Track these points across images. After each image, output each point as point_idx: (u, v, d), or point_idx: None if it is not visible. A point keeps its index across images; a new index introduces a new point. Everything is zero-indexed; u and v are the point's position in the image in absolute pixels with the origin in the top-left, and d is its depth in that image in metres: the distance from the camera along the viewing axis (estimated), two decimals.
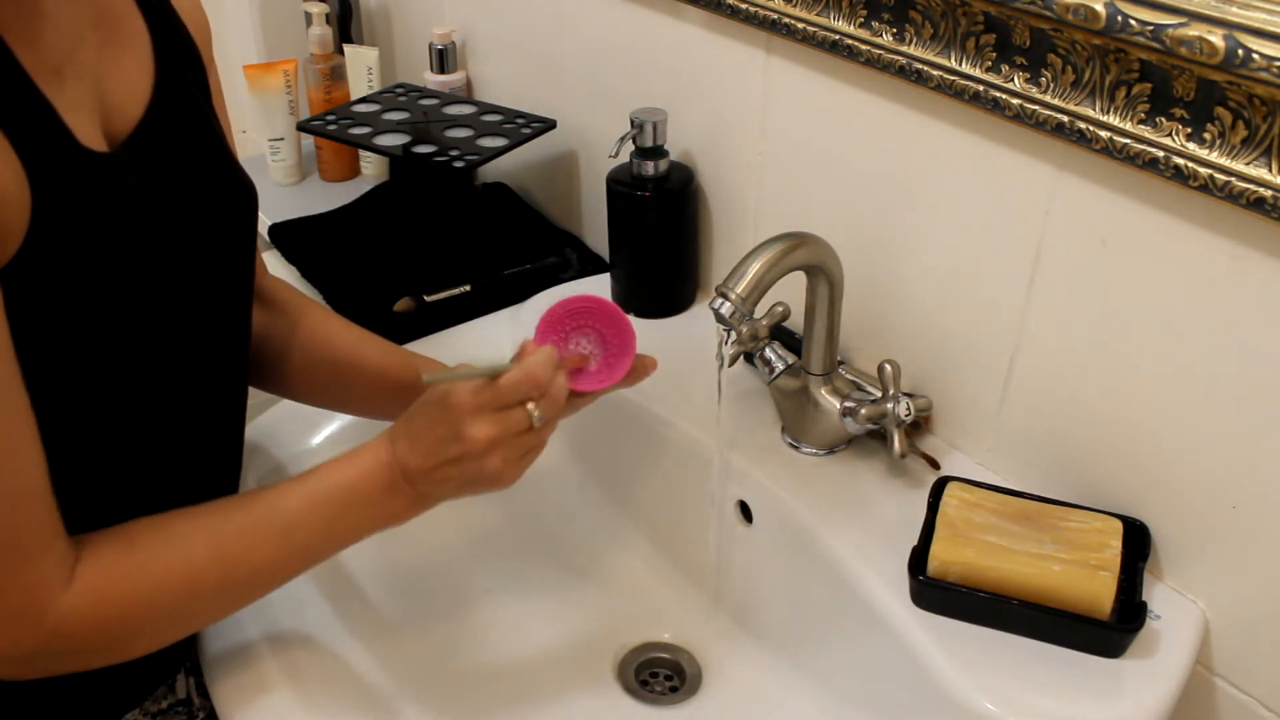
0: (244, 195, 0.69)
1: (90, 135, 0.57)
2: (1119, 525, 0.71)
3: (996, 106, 0.69)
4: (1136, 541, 0.71)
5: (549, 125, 1.13)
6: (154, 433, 0.64)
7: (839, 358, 0.83)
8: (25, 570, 0.55)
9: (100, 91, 0.59)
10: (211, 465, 0.71)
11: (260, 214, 1.25)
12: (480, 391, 0.64)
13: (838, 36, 0.77)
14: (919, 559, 0.71)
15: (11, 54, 0.51)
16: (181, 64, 0.65)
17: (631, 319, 1.01)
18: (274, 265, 1.18)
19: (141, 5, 0.63)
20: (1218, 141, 0.59)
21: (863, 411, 0.79)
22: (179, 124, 0.64)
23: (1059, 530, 0.71)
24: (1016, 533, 0.71)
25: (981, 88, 0.69)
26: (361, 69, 1.32)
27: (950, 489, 0.75)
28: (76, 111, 0.56)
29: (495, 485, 0.66)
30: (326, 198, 1.30)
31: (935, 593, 0.70)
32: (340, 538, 0.65)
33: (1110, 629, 0.67)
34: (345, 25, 1.39)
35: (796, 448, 0.85)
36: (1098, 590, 0.66)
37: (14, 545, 0.54)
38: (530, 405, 0.65)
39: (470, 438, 0.63)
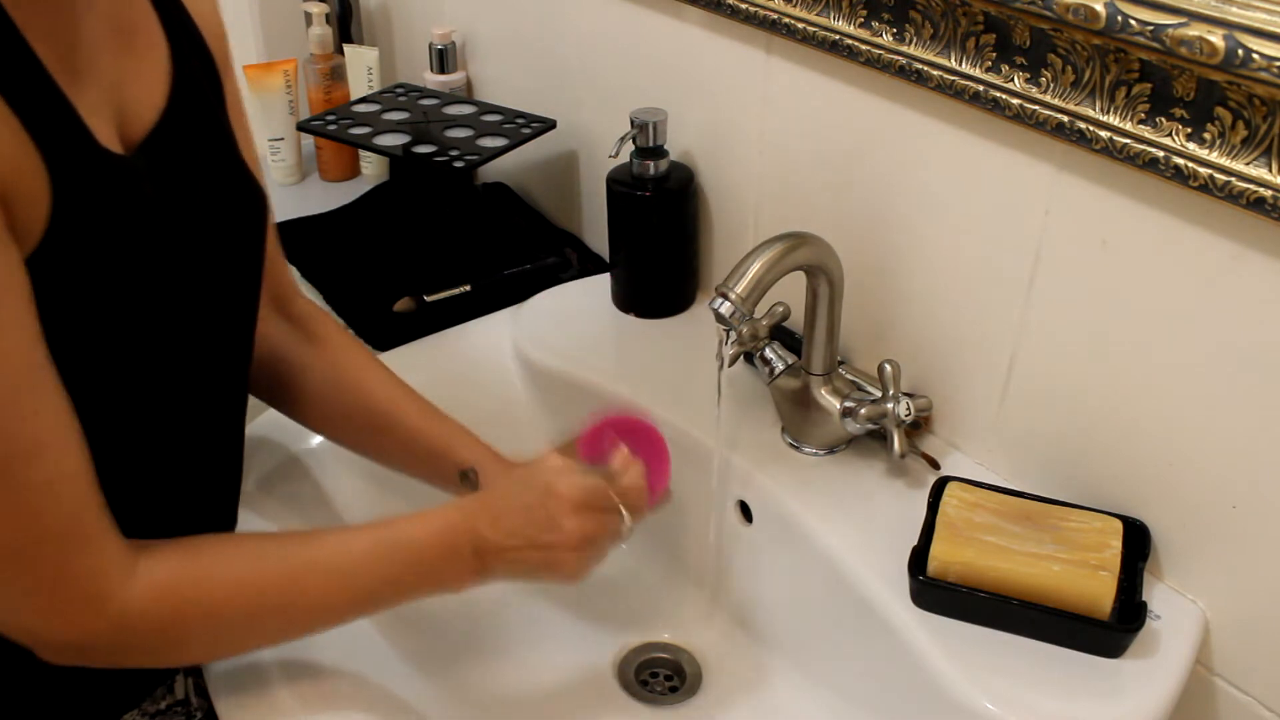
0: (254, 201, 0.70)
1: (107, 138, 0.57)
2: (1119, 525, 0.71)
3: (996, 106, 0.69)
4: (1136, 541, 0.71)
5: (549, 125, 1.13)
6: (157, 431, 0.64)
7: (839, 358, 0.83)
8: (86, 555, 0.55)
9: (117, 97, 0.59)
10: (213, 465, 0.71)
11: None
12: (587, 490, 0.67)
13: (838, 36, 0.77)
14: (919, 559, 0.71)
15: (36, 56, 0.52)
16: (197, 72, 0.66)
17: (632, 316, 1.01)
18: None
19: (161, 15, 0.64)
20: (1218, 141, 0.59)
21: (863, 411, 0.79)
22: (192, 130, 0.64)
23: (1059, 530, 0.71)
24: (1016, 533, 0.71)
25: (981, 88, 0.69)
26: (361, 69, 1.32)
27: (950, 489, 0.75)
28: (95, 115, 0.56)
29: (561, 579, 0.68)
30: (326, 198, 1.30)
31: (935, 593, 0.70)
32: (399, 593, 0.67)
33: (1110, 629, 0.67)
34: (345, 25, 1.39)
35: (796, 448, 0.85)
36: (1098, 590, 0.66)
37: (72, 530, 0.55)
38: (625, 515, 0.69)
39: (568, 531, 0.66)
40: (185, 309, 0.62)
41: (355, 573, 0.64)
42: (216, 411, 0.69)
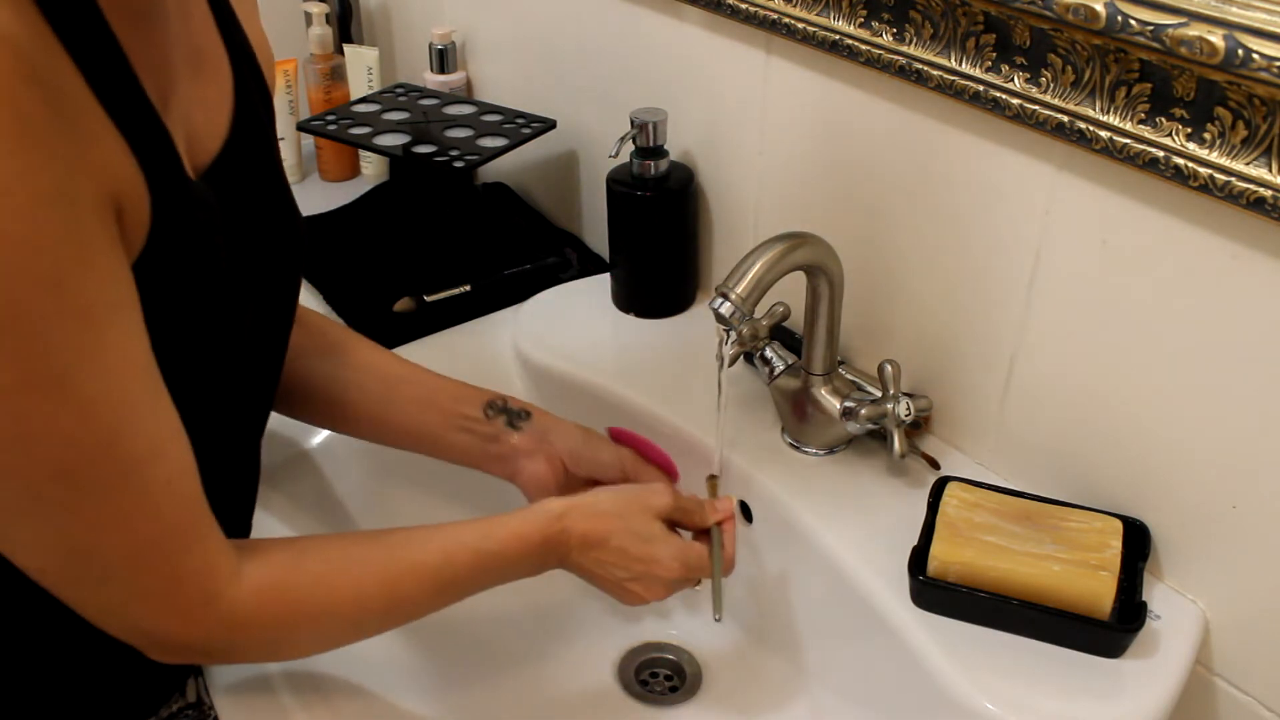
0: (297, 227, 0.71)
1: (186, 166, 0.58)
2: (1119, 525, 0.71)
3: (996, 106, 0.69)
4: (1136, 541, 0.71)
5: (549, 125, 1.13)
6: (199, 443, 0.64)
7: (839, 358, 0.83)
8: (199, 553, 0.56)
9: (187, 124, 0.60)
10: (238, 474, 0.71)
11: None
12: (691, 563, 0.74)
13: (838, 36, 0.77)
14: (919, 559, 0.71)
15: (140, 84, 0.52)
16: (255, 99, 0.66)
17: (632, 316, 1.01)
18: None
19: (226, 41, 0.64)
20: (1218, 141, 0.59)
21: (863, 411, 0.79)
22: (251, 159, 0.65)
23: (1059, 530, 0.71)
24: (1016, 533, 0.71)
25: (981, 88, 0.69)
26: (361, 69, 1.32)
27: (950, 489, 0.75)
28: (177, 142, 0.57)
29: (621, 596, 0.73)
30: (326, 198, 1.30)
31: (935, 593, 0.70)
32: (483, 589, 0.70)
33: (1110, 629, 0.67)
34: (345, 25, 1.39)
35: (797, 448, 0.85)
36: (1098, 590, 0.66)
37: (188, 527, 0.55)
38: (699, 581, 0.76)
39: (666, 566, 0.72)
40: (237, 330, 0.63)
41: (455, 581, 0.68)
42: (248, 423, 0.70)
